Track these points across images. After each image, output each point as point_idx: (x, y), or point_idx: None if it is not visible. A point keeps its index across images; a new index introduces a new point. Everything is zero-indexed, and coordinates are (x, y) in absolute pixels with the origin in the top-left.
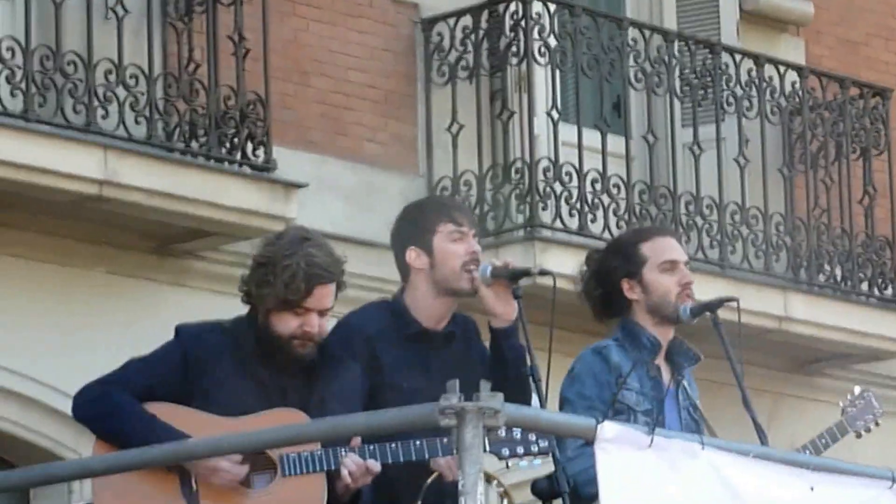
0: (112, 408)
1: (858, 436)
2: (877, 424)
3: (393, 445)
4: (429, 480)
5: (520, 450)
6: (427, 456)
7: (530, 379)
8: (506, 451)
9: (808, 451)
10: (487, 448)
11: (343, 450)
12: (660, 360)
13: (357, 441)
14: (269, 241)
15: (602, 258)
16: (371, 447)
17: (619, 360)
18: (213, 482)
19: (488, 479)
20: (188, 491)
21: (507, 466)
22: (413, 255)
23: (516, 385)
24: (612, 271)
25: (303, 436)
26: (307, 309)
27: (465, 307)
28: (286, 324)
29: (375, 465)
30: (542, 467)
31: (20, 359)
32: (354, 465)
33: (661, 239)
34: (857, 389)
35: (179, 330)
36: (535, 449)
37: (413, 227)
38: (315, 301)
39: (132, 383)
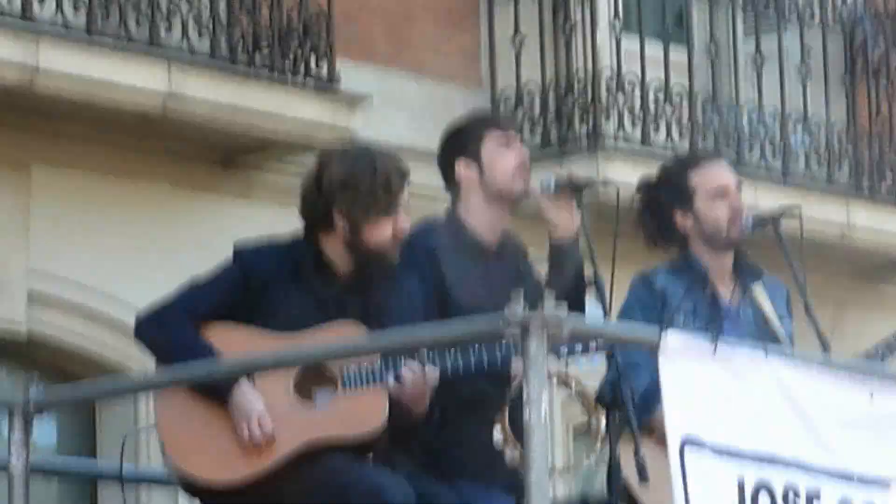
0: (172, 339)
1: None
2: None
3: (452, 351)
4: (511, 387)
5: (577, 347)
6: (486, 362)
7: (594, 288)
8: (564, 350)
9: (879, 353)
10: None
11: (402, 359)
12: (721, 281)
13: (422, 353)
14: (334, 161)
15: (652, 190)
16: (430, 354)
17: (666, 284)
18: (241, 431)
19: (565, 381)
20: None
21: (567, 366)
22: (462, 167)
23: (572, 299)
24: (663, 203)
25: (365, 347)
26: (399, 207)
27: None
28: (382, 230)
29: (432, 371)
30: (601, 365)
31: (85, 272)
32: (411, 373)
33: (708, 165)
34: None
35: (237, 250)
36: (592, 346)
37: (458, 139)
38: (404, 197)
39: (192, 308)
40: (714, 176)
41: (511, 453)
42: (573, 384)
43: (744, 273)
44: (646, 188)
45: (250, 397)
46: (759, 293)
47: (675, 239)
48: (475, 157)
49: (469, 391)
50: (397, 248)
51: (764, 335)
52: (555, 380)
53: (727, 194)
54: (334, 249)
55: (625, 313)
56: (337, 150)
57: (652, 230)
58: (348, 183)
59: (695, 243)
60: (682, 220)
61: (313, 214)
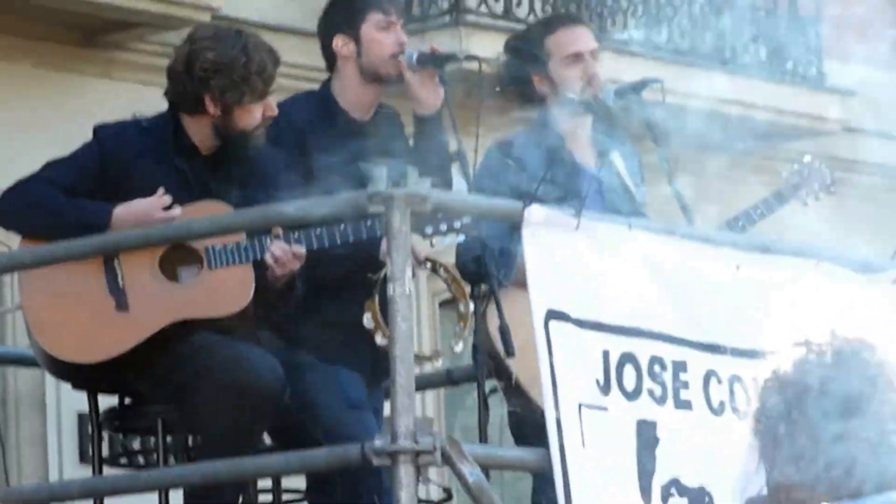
0: (35, 200)
1: (804, 204)
2: (830, 193)
3: (318, 231)
4: (380, 274)
5: (442, 227)
6: (352, 237)
7: (457, 163)
8: (429, 229)
9: (740, 223)
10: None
11: (267, 238)
12: (577, 148)
13: (277, 230)
14: (206, 47)
15: (512, 53)
16: (295, 234)
17: (523, 151)
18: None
19: (434, 267)
20: (115, 287)
21: (432, 245)
22: (340, 43)
23: (439, 172)
24: (522, 67)
25: (231, 225)
26: (268, 93)
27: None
28: (252, 115)
29: (300, 249)
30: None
31: None
32: (280, 251)
33: (565, 30)
34: (806, 158)
35: (98, 130)
36: (457, 225)
37: (341, 14)
38: (274, 83)
39: (53, 181)
40: (569, 41)
41: (381, 340)
42: (441, 270)
43: (603, 139)
44: (507, 48)
45: (134, 205)
46: (617, 159)
47: (534, 102)
48: (354, 35)
49: (335, 272)
50: (263, 132)
51: (625, 202)
52: (427, 266)
53: (581, 60)
54: (199, 129)
55: (476, 181)
56: (208, 33)
57: (513, 94)
58: (222, 69)
59: (552, 108)
60: (540, 84)
61: (182, 97)
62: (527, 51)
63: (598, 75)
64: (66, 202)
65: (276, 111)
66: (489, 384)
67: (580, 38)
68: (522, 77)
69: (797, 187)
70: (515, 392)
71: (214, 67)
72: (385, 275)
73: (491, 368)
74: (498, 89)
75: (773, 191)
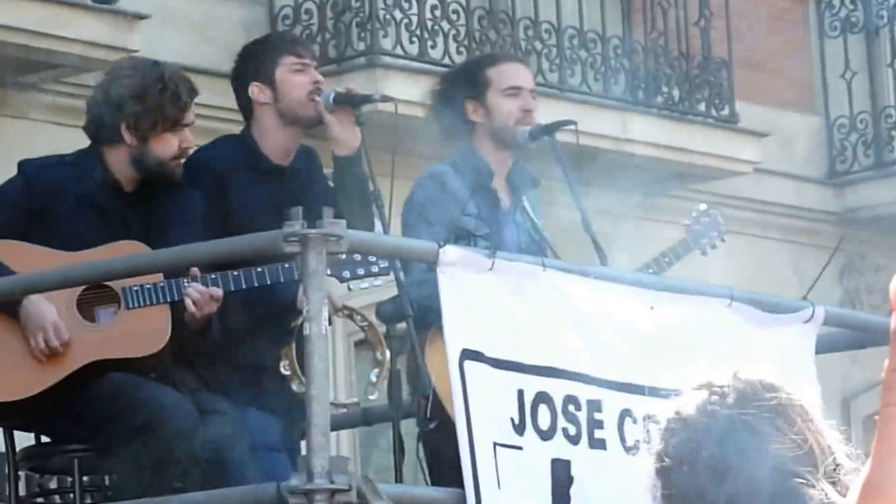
0: None
1: (704, 253)
2: (722, 241)
3: (235, 273)
4: (297, 322)
5: (360, 271)
6: (269, 280)
7: (374, 205)
8: (347, 273)
9: (650, 270)
10: (328, 271)
11: (185, 280)
12: (498, 185)
13: (195, 271)
14: (124, 75)
15: (449, 79)
16: (213, 276)
17: (456, 185)
18: (34, 342)
19: (350, 315)
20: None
21: (349, 289)
22: (256, 90)
23: (360, 212)
24: (457, 92)
25: (147, 265)
26: (184, 125)
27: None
28: (168, 145)
29: (217, 291)
30: (384, 288)
31: None
32: (197, 292)
33: (508, 64)
34: (702, 206)
35: (23, 164)
36: (375, 269)
37: (254, 62)
38: (190, 115)
39: None
40: (511, 74)
41: (298, 388)
42: (357, 318)
43: (520, 179)
44: (444, 77)
45: (43, 308)
46: (525, 201)
47: (463, 131)
48: (269, 81)
49: (250, 315)
50: (181, 164)
51: (537, 244)
52: (344, 313)
53: (520, 94)
54: (119, 164)
55: (413, 212)
56: (127, 63)
57: (442, 119)
58: (138, 96)
59: (479, 138)
60: (473, 112)
61: (100, 127)
62: (467, 76)
63: (533, 112)
64: None
65: (192, 142)
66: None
67: (522, 73)
68: (456, 101)
69: (699, 236)
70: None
71: (130, 94)
72: (301, 322)
73: (425, 407)
74: (430, 115)
75: (678, 240)
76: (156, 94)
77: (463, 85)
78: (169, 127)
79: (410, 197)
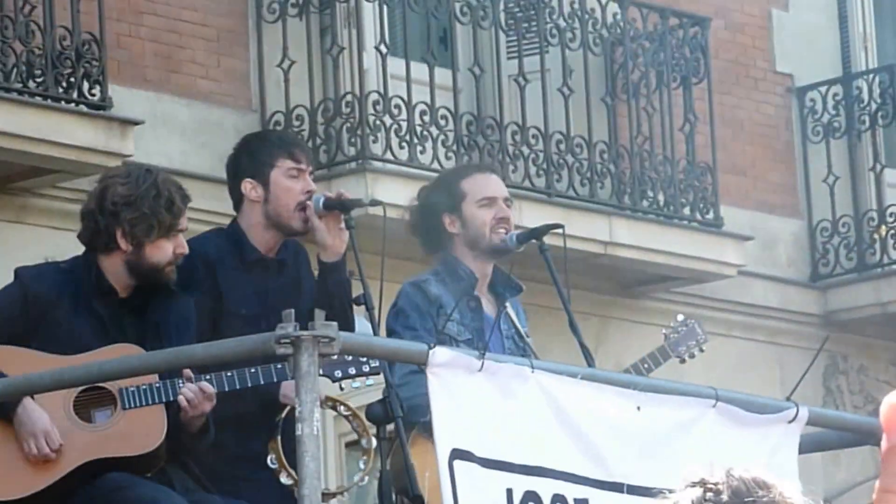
0: None
1: (682, 361)
2: (701, 350)
3: (229, 373)
4: (283, 414)
5: (351, 370)
6: (262, 381)
7: (364, 307)
8: (338, 373)
9: (642, 367)
10: (320, 371)
11: (180, 381)
12: (481, 292)
13: (188, 373)
14: (118, 183)
15: (427, 193)
16: (207, 376)
17: (438, 292)
18: (27, 448)
19: (334, 405)
20: None
21: (341, 388)
22: (248, 187)
23: (340, 318)
24: (434, 206)
25: (142, 367)
26: (179, 230)
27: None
28: (163, 251)
29: (210, 388)
30: (375, 387)
31: None
32: (192, 393)
33: (481, 176)
34: (679, 317)
35: (19, 272)
36: (366, 369)
37: (251, 159)
38: (184, 220)
39: None
40: (484, 185)
41: (286, 480)
42: (341, 408)
43: (503, 286)
44: (421, 191)
45: (36, 414)
46: (509, 308)
47: (442, 242)
48: (263, 180)
49: (239, 411)
50: (174, 270)
51: (521, 350)
52: (327, 405)
53: (493, 203)
54: (114, 270)
55: (398, 319)
56: (120, 171)
57: (422, 232)
58: (132, 203)
59: (458, 248)
60: (450, 224)
61: (94, 235)
62: (441, 190)
63: (511, 220)
64: None
65: (186, 249)
66: None
67: (495, 183)
68: (434, 214)
69: (676, 344)
70: None
71: (124, 201)
72: (286, 416)
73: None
74: (410, 228)
75: (657, 347)
76: (150, 200)
77: (439, 198)
78: (164, 233)
79: (394, 305)
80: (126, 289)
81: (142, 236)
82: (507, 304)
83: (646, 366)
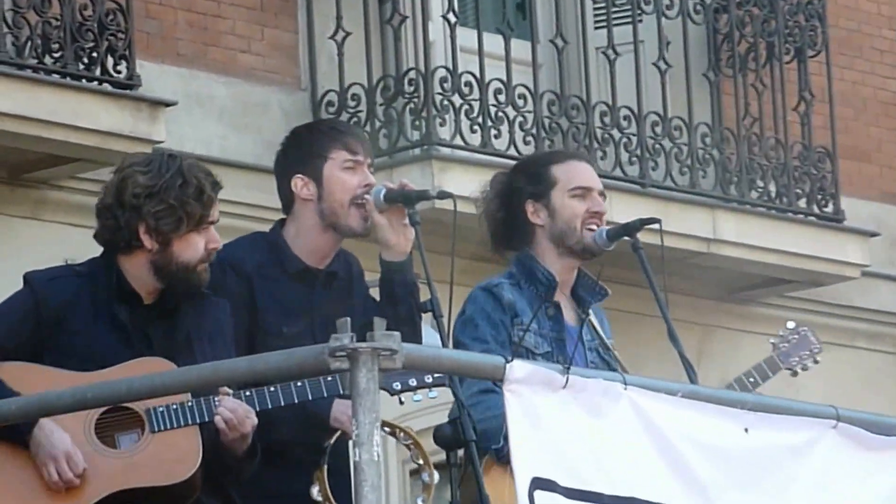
0: None
1: (794, 374)
2: (815, 362)
3: (272, 388)
4: (331, 441)
5: (412, 381)
6: (311, 396)
7: (431, 315)
8: (397, 385)
9: (749, 381)
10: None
11: (216, 398)
12: (561, 297)
13: (225, 388)
14: (138, 172)
15: (508, 177)
16: (247, 392)
17: (513, 297)
18: (47, 474)
19: (392, 432)
20: None
21: (401, 402)
22: (299, 184)
23: (406, 326)
24: (517, 191)
25: (174, 385)
26: (210, 222)
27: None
28: (195, 247)
29: (251, 409)
30: (440, 403)
31: None
32: (230, 412)
33: (576, 163)
34: (790, 324)
35: (29, 278)
36: (429, 380)
37: (301, 151)
38: (216, 211)
39: None
40: (578, 173)
41: None
42: (401, 435)
43: (585, 290)
44: (501, 175)
45: (56, 436)
46: (591, 316)
47: (521, 235)
48: (315, 176)
49: (278, 436)
50: (207, 269)
51: (607, 364)
52: (384, 430)
53: (589, 195)
54: (138, 272)
55: (466, 329)
56: (138, 158)
57: (499, 222)
58: (155, 194)
59: (540, 244)
60: (534, 214)
61: (114, 233)
62: (527, 175)
63: (604, 217)
64: None
65: (219, 243)
66: None
67: (590, 173)
68: (515, 201)
69: (787, 355)
70: None
71: (147, 192)
72: (334, 441)
73: None
74: (483, 218)
75: (765, 358)
76: (176, 189)
77: (523, 183)
78: (193, 226)
79: (461, 313)
80: (152, 293)
81: (169, 231)
82: (592, 312)
83: (752, 379)
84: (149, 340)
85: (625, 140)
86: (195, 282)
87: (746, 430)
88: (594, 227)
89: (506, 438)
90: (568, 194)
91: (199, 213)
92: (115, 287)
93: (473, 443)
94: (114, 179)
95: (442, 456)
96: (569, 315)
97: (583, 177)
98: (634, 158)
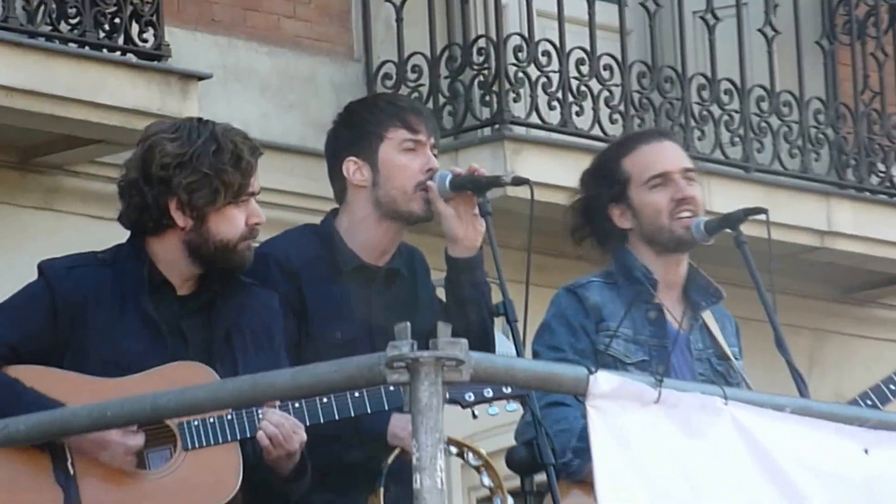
0: None
1: None
2: None
3: (324, 399)
4: (389, 460)
5: (487, 392)
6: (369, 409)
7: (503, 320)
8: (469, 396)
9: (867, 402)
10: (446, 396)
11: (259, 410)
12: (668, 299)
13: (272, 403)
14: (165, 139)
15: (583, 188)
16: (296, 404)
17: (601, 299)
18: (103, 460)
19: (460, 452)
20: (63, 473)
21: (474, 416)
22: (352, 168)
23: (475, 332)
24: (595, 199)
25: (207, 402)
26: (251, 193)
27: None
28: (235, 222)
29: (300, 424)
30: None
31: None
32: (274, 427)
33: (646, 147)
34: None
35: (44, 268)
36: (507, 391)
37: (354, 131)
38: (256, 181)
39: None
40: (651, 159)
41: None
42: (470, 456)
43: (697, 292)
44: (584, 177)
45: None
46: (709, 320)
47: (618, 242)
48: (370, 159)
49: (333, 456)
50: (251, 248)
51: (723, 377)
52: (451, 450)
53: (668, 181)
54: (170, 256)
55: (541, 336)
56: (164, 125)
57: (588, 234)
58: (186, 163)
59: (637, 245)
60: (620, 218)
61: (141, 213)
62: (602, 175)
63: (697, 199)
64: (15, 398)
65: (262, 217)
66: None
67: (665, 154)
68: (598, 210)
69: None
70: None
71: (177, 161)
72: (392, 461)
73: None
74: (571, 233)
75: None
76: (210, 157)
77: (600, 187)
78: (232, 198)
79: (544, 318)
80: (187, 282)
81: (204, 205)
82: (704, 316)
83: (892, 388)
84: (183, 338)
85: (726, 118)
86: (237, 262)
87: (867, 451)
88: (686, 214)
89: (574, 452)
90: (646, 188)
91: (238, 182)
92: (144, 276)
93: (553, 466)
94: (138, 151)
95: (515, 482)
96: (675, 318)
97: (657, 162)
98: (737, 139)
